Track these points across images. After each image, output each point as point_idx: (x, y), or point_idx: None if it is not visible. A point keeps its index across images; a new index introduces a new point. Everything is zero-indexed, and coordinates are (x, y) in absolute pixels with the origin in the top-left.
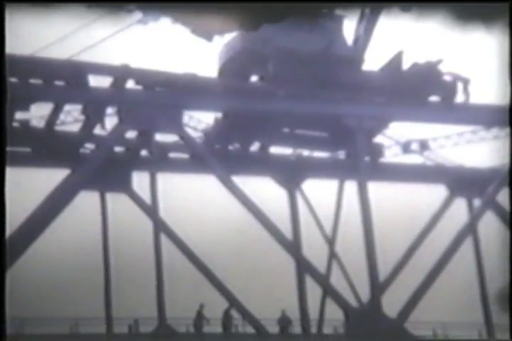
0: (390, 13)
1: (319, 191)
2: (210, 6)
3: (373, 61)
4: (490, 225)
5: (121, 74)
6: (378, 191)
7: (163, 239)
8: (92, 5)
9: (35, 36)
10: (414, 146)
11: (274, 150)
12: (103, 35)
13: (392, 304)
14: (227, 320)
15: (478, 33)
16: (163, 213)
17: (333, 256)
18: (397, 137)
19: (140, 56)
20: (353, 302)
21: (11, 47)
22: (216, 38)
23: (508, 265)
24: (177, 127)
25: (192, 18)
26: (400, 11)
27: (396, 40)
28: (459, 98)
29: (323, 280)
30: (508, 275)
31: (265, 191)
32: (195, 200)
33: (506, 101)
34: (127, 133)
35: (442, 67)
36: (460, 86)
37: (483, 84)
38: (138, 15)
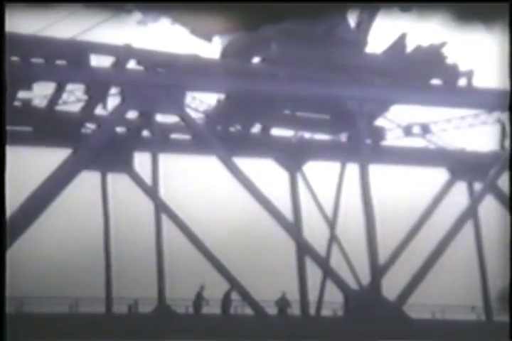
0: (390, 14)
1: (320, 173)
2: (210, 6)
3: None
4: (490, 209)
5: (123, 54)
6: (379, 174)
7: (164, 220)
8: (92, 5)
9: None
10: (416, 129)
11: (276, 132)
12: (102, 35)
13: (391, 287)
14: (226, 301)
15: (478, 33)
16: (164, 194)
17: (333, 238)
18: (398, 120)
19: None
20: (352, 284)
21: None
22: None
23: (508, 250)
24: (178, 108)
25: (191, 19)
26: (399, 11)
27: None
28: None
29: (324, 263)
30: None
31: (266, 173)
32: (196, 181)
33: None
34: (128, 114)
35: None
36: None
37: (483, 84)
38: (137, 16)
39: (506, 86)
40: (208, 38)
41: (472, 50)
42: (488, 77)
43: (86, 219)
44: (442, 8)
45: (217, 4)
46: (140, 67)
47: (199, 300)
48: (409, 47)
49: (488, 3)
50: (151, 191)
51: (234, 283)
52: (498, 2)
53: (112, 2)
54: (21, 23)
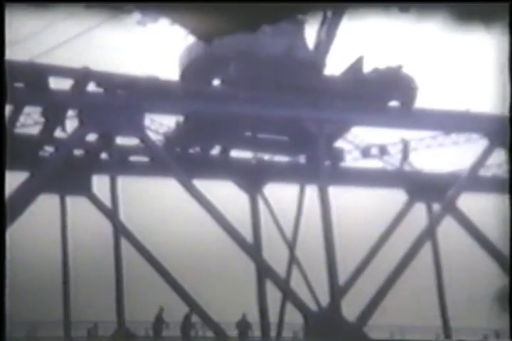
0: (389, 14)
1: (280, 195)
2: (210, 6)
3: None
4: (449, 230)
5: (82, 76)
6: (338, 195)
7: (123, 243)
8: (92, 5)
9: (35, 36)
10: (374, 151)
11: (235, 154)
12: (104, 36)
13: (351, 308)
14: (186, 324)
15: (477, 33)
16: (123, 216)
17: (293, 260)
18: (357, 142)
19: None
20: (312, 306)
21: (11, 48)
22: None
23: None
24: (138, 130)
25: (191, 19)
26: (398, 11)
27: (396, 41)
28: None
29: (283, 284)
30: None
31: (226, 195)
32: (155, 204)
33: (467, 107)
34: (87, 136)
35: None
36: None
37: (482, 85)
38: (137, 16)
39: (506, 87)
40: (208, 39)
41: (471, 50)
42: (487, 77)
43: (45, 243)
44: (441, 8)
45: (217, 5)
46: (100, 89)
47: (159, 322)
48: (367, 69)
49: (488, 3)
50: (110, 214)
51: (194, 306)
52: (498, 2)
53: (111, 2)
54: (21, 23)
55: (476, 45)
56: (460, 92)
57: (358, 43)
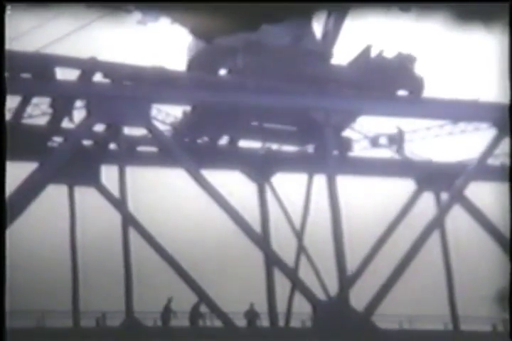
0: (389, 14)
1: (288, 185)
2: (210, 6)
3: None
4: (457, 219)
5: (88, 67)
6: (347, 185)
7: (132, 233)
8: (92, 5)
9: (36, 36)
10: (383, 140)
11: (243, 143)
12: (104, 35)
13: (360, 297)
14: (195, 314)
15: (478, 33)
16: (131, 207)
17: (301, 249)
18: (365, 131)
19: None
20: (321, 295)
21: (10, 47)
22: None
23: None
24: (145, 120)
25: (191, 19)
26: (399, 11)
27: (396, 40)
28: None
29: (292, 274)
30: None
31: (234, 185)
32: (164, 194)
33: (474, 97)
34: (95, 127)
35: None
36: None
37: (482, 84)
38: (137, 15)
39: (506, 87)
40: (208, 39)
41: (471, 50)
42: (487, 77)
43: (53, 233)
44: (441, 8)
45: (217, 4)
46: (106, 80)
47: (167, 312)
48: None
49: (488, 3)
50: (119, 204)
51: (202, 295)
52: (498, 2)
53: (112, 2)
54: (21, 23)
55: (477, 44)
56: (459, 90)
57: (363, 36)
